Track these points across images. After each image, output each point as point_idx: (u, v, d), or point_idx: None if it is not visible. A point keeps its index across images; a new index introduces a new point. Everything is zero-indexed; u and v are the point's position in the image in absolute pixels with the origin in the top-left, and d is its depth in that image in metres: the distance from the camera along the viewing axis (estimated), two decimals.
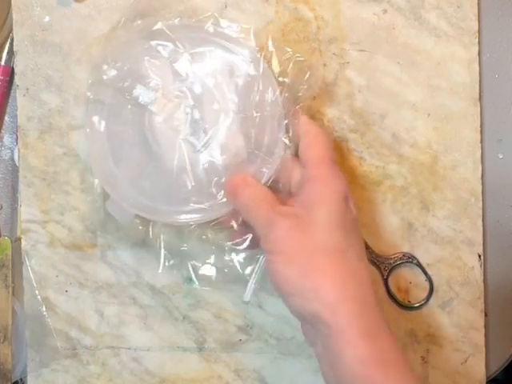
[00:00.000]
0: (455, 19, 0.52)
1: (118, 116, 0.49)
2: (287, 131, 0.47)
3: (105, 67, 0.48)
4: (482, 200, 0.52)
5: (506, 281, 0.53)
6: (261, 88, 0.48)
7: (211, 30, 0.49)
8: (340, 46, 0.52)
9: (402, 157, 0.52)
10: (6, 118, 0.54)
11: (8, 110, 0.54)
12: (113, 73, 0.48)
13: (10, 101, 0.54)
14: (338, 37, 0.52)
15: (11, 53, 0.52)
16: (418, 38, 0.52)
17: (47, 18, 0.52)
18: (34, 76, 0.52)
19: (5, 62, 0.53)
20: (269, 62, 0.48)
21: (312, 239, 0.42)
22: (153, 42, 0.48)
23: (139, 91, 0.48)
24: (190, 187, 0.48)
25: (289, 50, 0.48)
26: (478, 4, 0.52)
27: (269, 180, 0.47)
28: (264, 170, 0.47)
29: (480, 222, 0.52)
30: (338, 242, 0.42)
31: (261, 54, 0.48)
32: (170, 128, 0.48)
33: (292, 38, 0.52)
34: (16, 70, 0.52)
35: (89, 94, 0.49)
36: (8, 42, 0.53)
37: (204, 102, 0.48)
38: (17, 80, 0.52)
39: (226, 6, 0.52)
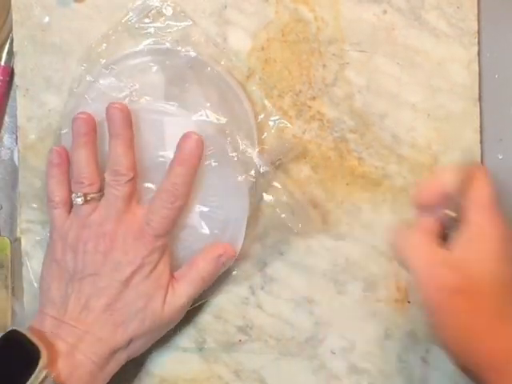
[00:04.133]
0: (455, 19, 0.52)
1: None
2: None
3: (103, 71, 0.48)
4: None
5: None
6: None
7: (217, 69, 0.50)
8: (340, 46, 0.52)
9: (402, 157, 0.52)
10: (6, 118, 0.54)
11: (8, 110, 0.54)
12: (109, 80, 0.48)
13: (9, 101, 0.54)
14: (338, 37, 0.52)
15: (11, 53, 0.52)
16: (417, 38, 0.52)
17: (47, 18, 0.52)
18: (33, 76, 0.52)
19: (5, 62, 0.53)
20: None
21: (479, 308, 0.40)
22: (154, 59, 0.49)
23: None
24: None
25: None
26: (478, 4, 0.52)
27: None
28: None
29: None
30: (503, 307, 0.40)
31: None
32: None
33: (292, 39, 0.52)
34: (16, 70, 0.52)
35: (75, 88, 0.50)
36: (8, 42, 0.53)
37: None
38: (17, 80, 0.52)
39: (225, 7, 0.52)
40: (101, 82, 0.49)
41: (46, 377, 0.42)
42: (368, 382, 0.51)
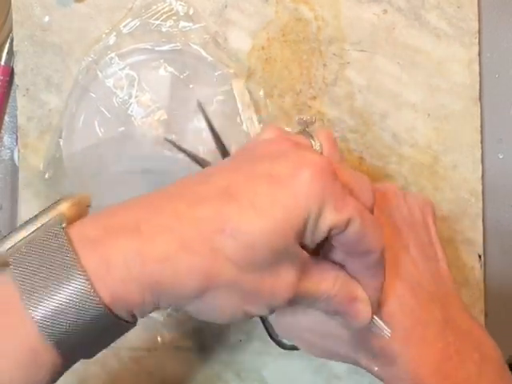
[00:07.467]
0: (455, 19, 0.52)
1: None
2: None
3: (110, 64, 0.48)
4: (482, 200, 0.52)
5: (506, 281, 0.53)
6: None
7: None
8: (340, 46, 0.52)
9: (402, 157, 0.52)
10: (6, 117, 0.54)
11: (8, 110, 0.54)
12: (113, 73, 0.48)
13: (10, 101, 0.54)
14: (338, 37, 0.52)
15: (11, 53, 0.52)
16: (418, 38, 0.52)
17: (47, 18, 0.51)
18: (33, 76, 0.51)
19: (5, 62, 0.53)
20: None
21: None
22: (162, 57, 0.49)
23: (131, 102, 0.49)
24: None
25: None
26: (478, 4, 0.52)
27: None
28: None
29: (480, 222, 0.52)
30: None
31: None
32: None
33: (292, 38, 0.52)
34: (16, 70, 0.52)
35: (80, 77, 0.49)
36: (8, 42, 0.53)
37: None
38: (17, 80, 0.52)
39: (225, 6, 0.52)
40: (105, 74, 0.49)
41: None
42: (368, 382, 0.51)
